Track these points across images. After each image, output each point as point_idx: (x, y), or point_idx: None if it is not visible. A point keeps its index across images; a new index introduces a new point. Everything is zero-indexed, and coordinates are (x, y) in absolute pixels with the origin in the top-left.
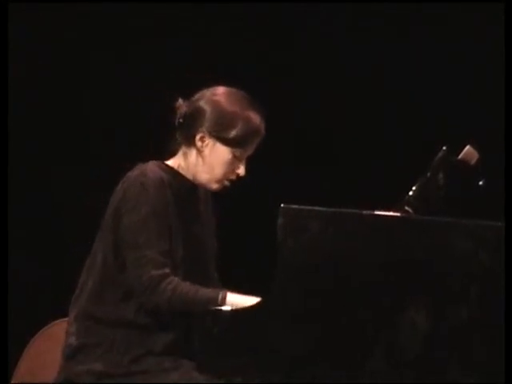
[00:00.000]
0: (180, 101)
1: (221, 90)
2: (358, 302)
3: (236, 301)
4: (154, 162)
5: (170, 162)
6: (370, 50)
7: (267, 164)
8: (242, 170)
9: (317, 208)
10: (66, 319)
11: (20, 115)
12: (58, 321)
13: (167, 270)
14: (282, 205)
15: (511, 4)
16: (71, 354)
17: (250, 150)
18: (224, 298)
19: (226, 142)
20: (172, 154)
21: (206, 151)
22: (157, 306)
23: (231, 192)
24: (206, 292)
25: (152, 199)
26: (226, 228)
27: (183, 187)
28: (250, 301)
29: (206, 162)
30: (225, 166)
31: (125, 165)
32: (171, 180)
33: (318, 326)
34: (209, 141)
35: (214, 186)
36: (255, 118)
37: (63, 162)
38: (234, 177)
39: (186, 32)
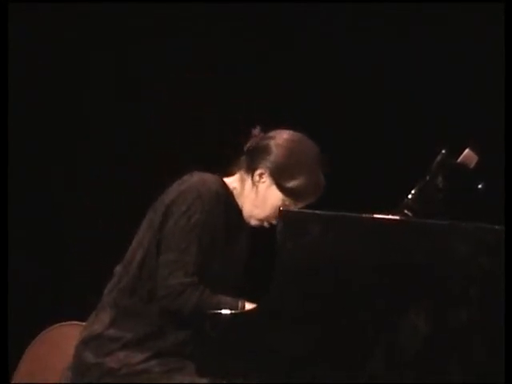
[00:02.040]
0: (257, 129)
1: (295, 137)
2: (357, 305)
3: None
4: (214, 175)
5: (226, 181)
6: (370, 50)
7: None
8: None
9: (316, 211)
10: (65, 323)
11: (20, 115)
12: (57, 325)
13: (196, 279)
14: (281, 208)
15: (511, 4)
16: (88, 340)
17: (300, 205)
18: (243, 307)
19: (281, 188)
20: (229, 174)
21: (261, 188)
22: (178, 310)
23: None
24: (226, 300)
25: (205, 210)
26: None
27: (234, 207)
28: None
29: (258, 197)
30: (271, 209)
31: (125, 165)
32: (226, 197)
33: (317, 328)
34: (267, 179)
35: (253, 222)
36: (318, 177)
37: (63, 162)
38: (274, 222)
39: (186, 32)
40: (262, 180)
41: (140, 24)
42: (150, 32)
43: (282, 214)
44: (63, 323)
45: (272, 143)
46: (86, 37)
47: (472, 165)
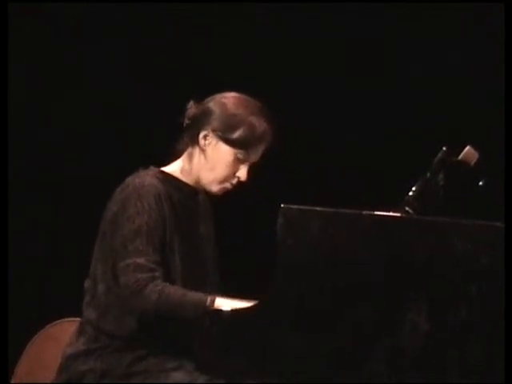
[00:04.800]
0: (191, 103)
1: (232, 94)
2: (357, 303)
3: (226, 306)
4: (153, 170)
5: (171, 167)
6: (370, 49)
7: (267, 164)
8: (242, 174)
9: (317, 208)
10: (67, 320)
11: (20, 115)
12: (58, 321)
13: (156, 274)
14: (282, 205)
15: (511, 4)
16: (74, 356)
17: (253, 155)
18: (213, 302)
19: (228, 142)
20: (177, 156)
21: (209, 150)
22: (144, 310)
23: (231, 192)
24: (194, 295)
25: (146, 212)
26: (226, 228)
27: (183, 196)
28: (239, 305)
29: (208, 161)
30: (226, 167)
31: (125, 165)
32: (170, 191)
33: (317, 326)
34: (212, 139)
35: (215, 188)
36: (260, 124)
37: (63, 162)
38: (234, 180)
39: (186, 32)
40: (208, 141)
41: (140, 24)
42: (150, 32)
43: (283, 210)
44: (64, 319)
45: (209, 104)
46: (86, 37)
47: (472, 162)
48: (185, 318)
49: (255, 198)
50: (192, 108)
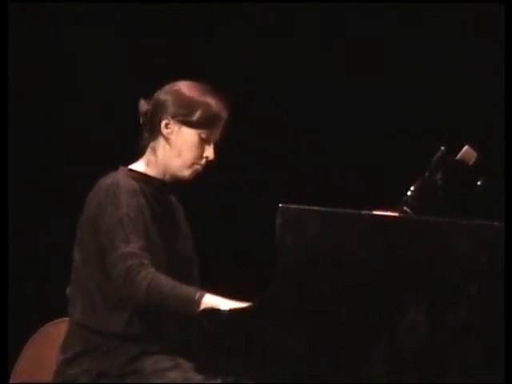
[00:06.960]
0: (141, 101)
1: (179, 82)
2: (356, 303)
3: (214, 302)
4: (123, 169)
5: (138, 165)
6: (370, 49)
7: (267, 164)
8: (210, 153)
9: (315, 208)
10: (65, 319)
11: (20, 115)
12: (56, 320)
13: (146, 261)
14: (280, 204)
15: (511, 4)
16: (68, 360)
17: (215, 133)
18: (201, 298)
19: (190, 124)
20: (140, 155)
21: (173, 137)
22: (135, 299)
23: (230, 190)
24: (184, 288)
25: (124, 205)
26: (225, 228)
27: (155, 191)
28: (229, 304)
29: (174, 147)
30: (193, 149)
31: (125, 165)
32: (143, 187)
33: (316, 326)
34: (174, 126)
35: (186, 173)
36: (216, 102)
37: (63, 162)
38: (203, 161)
39: (186, 32)
40: (170, 129)
41: (140, 24)
42: (150, 32)
43: (281, 210)
44: (62, 319)
45: (161, 96)
46: (86, 37)
47: (471, 161)
48: (172, 310)
49: (255, 197)
50: (144, 105)
